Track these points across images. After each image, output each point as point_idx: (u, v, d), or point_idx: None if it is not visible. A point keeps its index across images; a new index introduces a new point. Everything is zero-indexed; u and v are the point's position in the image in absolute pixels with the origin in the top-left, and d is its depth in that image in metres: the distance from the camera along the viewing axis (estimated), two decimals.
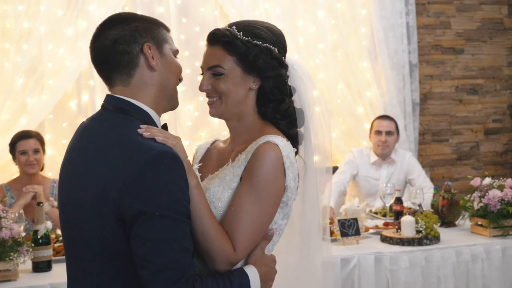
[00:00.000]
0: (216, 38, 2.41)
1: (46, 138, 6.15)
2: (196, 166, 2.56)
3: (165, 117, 6.15)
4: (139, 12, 6.27)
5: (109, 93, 2.27)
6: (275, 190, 2.27)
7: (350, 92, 7.12)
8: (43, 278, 3.97)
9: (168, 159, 2.05)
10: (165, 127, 2.29)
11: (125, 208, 2.01)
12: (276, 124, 2.44)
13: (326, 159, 2.56)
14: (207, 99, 2.44)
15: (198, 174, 2.47)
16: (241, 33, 2.39)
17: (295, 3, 6.92)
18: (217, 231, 2.17)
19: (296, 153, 2.43)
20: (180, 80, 2.36)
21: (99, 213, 2.06)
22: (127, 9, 6.44)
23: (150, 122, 2.21)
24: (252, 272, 2.24)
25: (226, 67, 2.37)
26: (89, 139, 2.20)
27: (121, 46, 2.20)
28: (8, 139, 5.57)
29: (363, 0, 7.18)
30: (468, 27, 7.92)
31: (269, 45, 2.40)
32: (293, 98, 2.48)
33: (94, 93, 6.36)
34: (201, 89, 2.41)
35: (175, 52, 2.34)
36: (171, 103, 2.36)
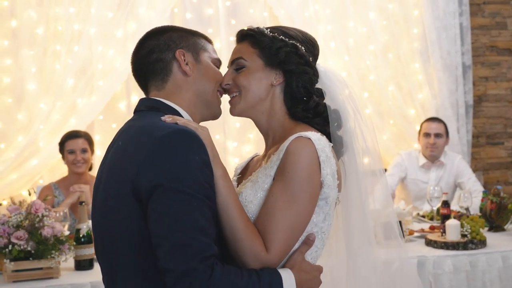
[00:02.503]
0: (243, 34, 2.42)
1: (96, 138, 6.25)
2: (234, 178, 2.55)
3: None
4: (188, 14, 6.38)
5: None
6: (310, 186, 2.15)
7: (401, 94, 7.05)
8: (84, 276, 4.01)
9: (186, 137, 2.02)
10: None
11: (141, 185, 1.98)
12: (310, 123, 2.35)
13: (373, 162, 2.50)
14: None
15: (235, 183, 2.47)
16: (269, 30, 2.39)
17: (346, 4, 6.87)
18: (246, 228, 2.07)
19: (338, 157, 2.36)
20: (224, 89, 2.37)
21: (121, 198, 2.05)
22: (176, 11, 6.50)
23: None
24: (287, 275, 2.10)
25: (248, 59, 2.35)
26: (119, 138, 2.22)
27: (155, 54, 2.27)
28: (58, 140, 5.65)
29: (415, 1, 7.11)
30: None
31: (295, 42, 2.36)
32: (324, 100, 2.41)
33: (143, 94, 6.33)
34: (223, 84, 2.37)
35: (216, 61, 2.36)
36: (211, 111, 2.36)
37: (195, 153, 2.01)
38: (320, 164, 2.17)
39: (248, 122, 6.66)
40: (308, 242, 2.22)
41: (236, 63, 2.37)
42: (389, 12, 7.02)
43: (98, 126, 6.42)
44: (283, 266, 2.16)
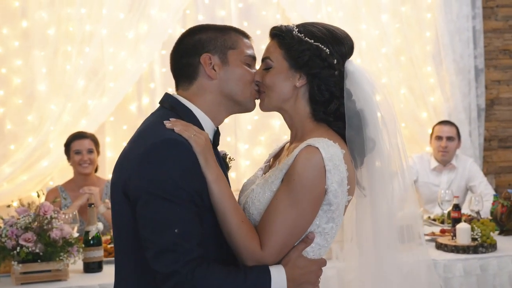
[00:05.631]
0: (272, 32, 2.47)
1: (107, 140, 6.27)
2: (262, 166, 2.63)
3: (225, 121, 6.16)
4: (200, 16, 6.36)
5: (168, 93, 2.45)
6: (312, 194, 2.25)
7: (414, 97, 7.02)
8: (93, 279, 4.01)
9: (172, 146, 2.16)
10: (217, 132, 2.43)
11: (130, 189, 2.18)
12: (331, 126, 2.40)
13: (390, 165, 2.49)
14: None
15: (260, 174, 2.55)
16: (297, 29, 2.41)
17: (359, 6, 6.85)
18: (240, 227, 2.21)
19: (361, 157, 2.39)
20: (257, 85, 2.44)
21: (118, 198, 2.26)
22: (188, 13, 6.49)
23: (194, 122, 2.33)
24: (277, 272, 2.22)
25: (274, 60, 2.41)
26: (134, 135, 2.37)
27: (184, 59, 2.38)
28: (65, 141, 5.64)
29: (428, 4, 7.08)
30: None
31: (320, 45, 2.37)
32: (347, 101, 2.40)
33: (154, 96, 6.41)
34: (254, 80, 2.44)
35: (247, 58, 2.42)
36: (242, 107, 2.46)
37: (179, 161, 2.16)
38: (326, 173, 2.24)
39: (260, 124, 6.71)
40: (307, 241, 2.31)
41: (265, 63, 2.44)
42: (402, 15, 6.99)
43: (109, 128, 6.43)
44: (279, 263, 2.27)
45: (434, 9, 7.06)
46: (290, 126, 2.49)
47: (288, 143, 2.57)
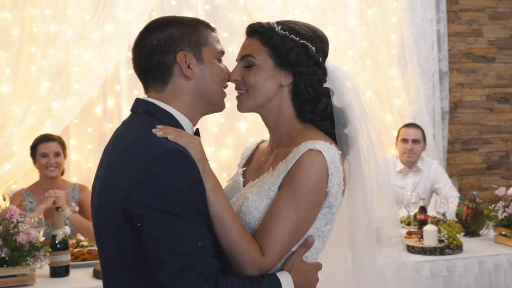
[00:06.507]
0: (253, 29, 2.40)
1: (71, 143, 6.19)
2: (240, 171, 2.55)
3: None
4: None
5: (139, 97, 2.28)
6: (315, 198, 2.22)
7: (379, 100, 7.06)
8: (60, 284, 3.95)
9: (176, 156, 2.01)
10: (197, 133, 2.27)
11: (131, 207, 1.99)
12: (318, 126, 2.38)
13: (374, 164, 2.47)
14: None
15: (241, 180, 2.48)
16: (280, 26, 2.36)
17: (325, 9, 6.87)
18: (240, 235, 2.11)
19: (344, 155, 2.37)
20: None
21: (111, 215, 2.06)
22: (154, 14, 6.41)
23: (175, 125, 2.18)
24: (285, 279, 2.17)
25: (258, 58, 2.34)
26: (113, 144, 2.23)
27: (156, 57, 2.20)
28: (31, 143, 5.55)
29: (394, 7, 7.12)
30: (501, 35, 7.80)
31: (306, 42, 2.35)
32: (332, 100, 2.40)
33: (119, 99, 6.36)
34: (231, 78, 2.36)
35: (219, 54, 2.30)
36: (214, 107, 2.34)
37: (185, 173, 2.02)
38: (328, 176, 2.22)
39: (226, 127, 6.67)
40: (307, 245, 2.27)
41: (246, 60, 2.36)
42: (368, 18, 7.01)
43: (74, 130, 6.33)
44: (282, 268, 2.23)
45: (399, 13, 7.10)
46: (274, 127, 2.43)
47: (268, 146, 2.52)
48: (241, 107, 2.40)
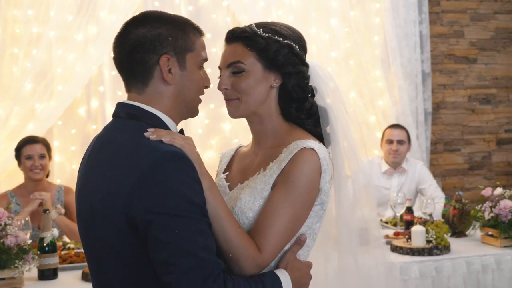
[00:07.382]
0: (235, 35, 2.38)
1: (55, 144, 6.13)
2: (223, 176, 2.53)
3: None
4: None
5: (121, 100, 2.24)
6: (309, 195, 2.25)
7: (363, 101, 7.07)
8: (49, 286, 3.93)
9: (175, 159, 1.99)
10: (181, 132, 2.23)
11: (136, 213, 1.96)
12: (302, 125, 2.40)
13: (355, 162, 2.48)
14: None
15: (226, 184, 2.47)
16: (261, 29, 2.36)
17: (309, 10, 6.87)
18: (237, 233, 2.12)
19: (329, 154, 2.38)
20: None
21: (111, 222, 2.03)
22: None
23: (163, 127, 2.14)
24: (284, 276, 2.20)
25: (247, 63, 2.34)
26: (100, 149, 2.18)
27: (139, 54, 2.13)
28: (16, 145, 5.50)
29: (377, 9, 7.14)
30: (482, 36, 7.85)
31: (290, 42, 2.36)
32: (315, 98, 2.43)
33: (103, 100, 6.31)
34: (220, 87, 2.36)
35: (202, 62, 2.24)
36: (190, 113, 2.29)
37: (185, 173, 2.00)
38: (321, 173, 2.25)
39: (211, 128, 6.66)
40: (300, 243, 2.29)
41: (234, 67, 2.34)
42: (351, 19, 7.01)
43: (57, 132, 6.27)
44: (277, 266, 2.26)
45: (382, 14, 7.12)
46: (259, 130, 2.43)
47: (250, 149, 2.53)
48: (234, 114, 2.40)
